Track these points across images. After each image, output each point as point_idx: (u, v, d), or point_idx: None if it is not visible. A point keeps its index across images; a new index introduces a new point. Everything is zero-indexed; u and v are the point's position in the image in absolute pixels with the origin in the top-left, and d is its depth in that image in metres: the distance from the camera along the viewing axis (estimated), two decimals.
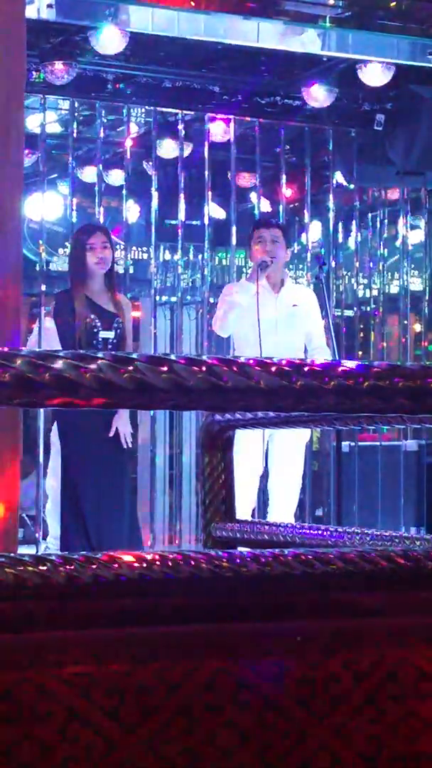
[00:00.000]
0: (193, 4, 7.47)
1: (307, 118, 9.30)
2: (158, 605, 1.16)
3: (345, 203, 9.99)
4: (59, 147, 9.70)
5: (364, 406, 1.26)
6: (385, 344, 10.09)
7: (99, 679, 1.08)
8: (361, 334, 10.33)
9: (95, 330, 6.39)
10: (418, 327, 10.81)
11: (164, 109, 9.13)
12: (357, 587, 1.25)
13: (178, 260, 9.66)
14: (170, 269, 11.04)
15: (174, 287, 10.34)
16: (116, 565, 1.13)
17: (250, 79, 8.78)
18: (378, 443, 9.21)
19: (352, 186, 9.82)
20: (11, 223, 3.88)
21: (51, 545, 7.39)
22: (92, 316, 6.40)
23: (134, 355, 1.16)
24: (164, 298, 10.71)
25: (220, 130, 9.28)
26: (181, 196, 9.19)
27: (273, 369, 1.20)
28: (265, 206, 9.79)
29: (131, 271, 9.39)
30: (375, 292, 10.30)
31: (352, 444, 9.26)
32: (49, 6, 7.18)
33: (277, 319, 6.64)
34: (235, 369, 1.19)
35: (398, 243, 10.20)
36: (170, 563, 1.15)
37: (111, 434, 6.31)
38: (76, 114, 9.07)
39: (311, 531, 1.91)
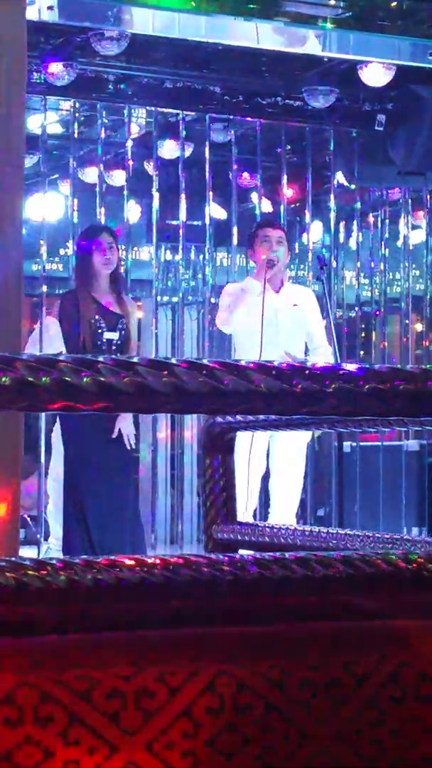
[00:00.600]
0: (193, 4, 7.47)
1: (308, 119, 9.30)
2: (159, 608, 1.16)
3: (346, 203, 9.99)
4: (60, 147, 9.70)
5: (365, 409, 1.26)
6: (386, 344, 10.09)
7: (100, 683, 1.08)
8: (363, 334, 10.33)
9: (100, 331, 6.38)
10: (419, 327, 10.81)
11: (165, 110, 9.13)
12: (358, 590, 1.25)
13: (179, 260, 9.66)
14: (171, 269, 11.04)
15: (175, 287, 10.34)
16: (117, 569, 1.13)
17: (251, 79, 8.78)
18: (379, 443, 9.21)
19: (353, 186, 9.82)
20: (12, 224, 3.88)
21: (52, 546, 7.38)
22: (97, 317, 6.40)
23: (135, 359, 1.16)
24: (165, 299, 10.71)
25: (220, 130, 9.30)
26: (182, 196, 9.19)
27: (274, 372, 1.20)
28: (266, 206, 9.78)
29: (132, 271, 9.38)
30: (376, 292, 10.30)
31: (354, 444, 9.26)
32: (50, 8, 7.18)
33: (278, 319, 6.64)
34: (235, 372, 1.19)
35: (399, 243, 10.21)
36: (171, 566, 1.15)
37: (114, 435, 6.30)
38: (77, 114, 9.07)
39: (312, 533, 1.91)
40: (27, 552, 7.49)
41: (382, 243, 10.10)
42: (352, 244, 10.25)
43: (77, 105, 9.01)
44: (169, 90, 8.80)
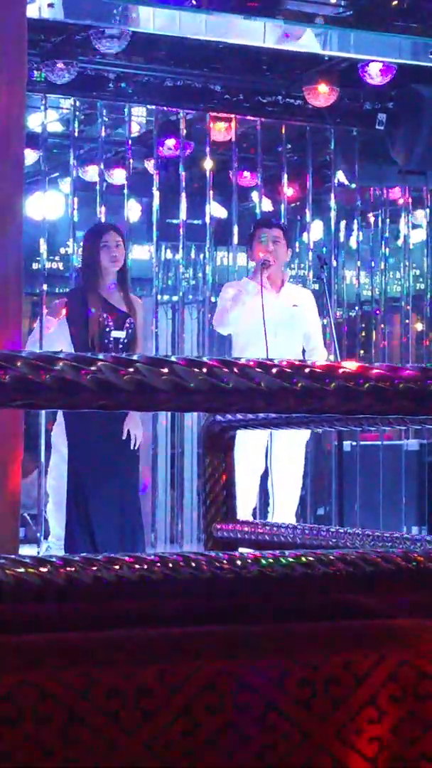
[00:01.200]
0: (194, 3, 7.46)
1: (308, 118, 9.30)
2: (159, 607, 1.16)
3: (346, 202, 9.99)
4: (61, 146, 9.70)
5: (365, 408, 1.26)
6: (386, 343, 10.09)
7: (100, 681, 1.08)
8: (363, 334, 10.33)
9: (107, 329, 6.37)
10: (419, 326, 10.81)
11: (166, 108, 9.13)
12: (358, 589, 1.25)
13: (180, 259, 9.66)
14: (171, 268, 11.04)
15: (175, 286, 10.34)
16: (117, 567, 1.13)
17: (252, 78, 8.78)
18: (379, 442, 9.21)
19: (353, 185, 9.82)
20: (13, 223, 3.87)
21: (52, 545, 7.37)
22: (104, 315, 6.39)
23: (135, 357, 1.16)
24: (165, 298, 10.71)
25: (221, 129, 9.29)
26: (183, 195, 9.19)
27: (274, 370, 1.20)
28: (267, 205, 9.78)
29: (133, 270, 9.37)
30: (376, 292, 10.30)
31: (354, 443, 9.26)
32: (50, 5, 7.17)
33: (277, 320, 6.63)
34: (235, 370, 1.18)
35: (400, 242, 10.21)
36: (171, 565, 1.15)
37: (124, 437, 6.29)
38: (77, 113, 9.07)
39: (312, 532, 1.91)
40: (27, 551, 7.49)
41: (383, 242, 10.10)
42: (353, 243, 10.25)
43: (77, 103, 9.01)
44: (169, 88, 8.80)
